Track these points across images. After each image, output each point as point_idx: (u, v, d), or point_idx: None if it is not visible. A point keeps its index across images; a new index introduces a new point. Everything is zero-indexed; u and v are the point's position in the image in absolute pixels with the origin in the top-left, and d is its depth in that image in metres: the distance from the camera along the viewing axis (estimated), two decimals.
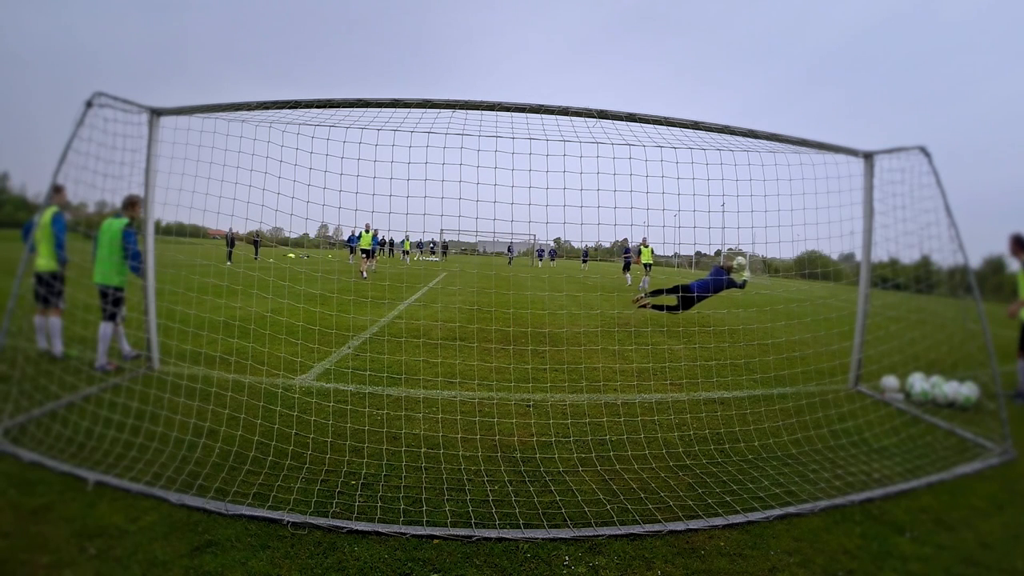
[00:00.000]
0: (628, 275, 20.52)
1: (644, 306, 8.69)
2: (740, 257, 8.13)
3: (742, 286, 8.03)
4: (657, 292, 9.22)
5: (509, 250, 42.22)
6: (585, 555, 2.66)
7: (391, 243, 37.18)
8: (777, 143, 4.70)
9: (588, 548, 2.72)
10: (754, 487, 3.43)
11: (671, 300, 8.49)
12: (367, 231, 16.79)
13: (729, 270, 8.16)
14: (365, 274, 16.00)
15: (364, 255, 17.12)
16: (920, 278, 5.29)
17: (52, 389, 4.25)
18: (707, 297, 8.02)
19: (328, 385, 5.16)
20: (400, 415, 4.32)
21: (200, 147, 4.31)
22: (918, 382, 5.75)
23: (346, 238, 19.61)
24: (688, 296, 8.03)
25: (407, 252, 35.05)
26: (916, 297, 5.69)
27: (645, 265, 19.00)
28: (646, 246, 18.31)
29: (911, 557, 2.75)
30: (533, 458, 3.73)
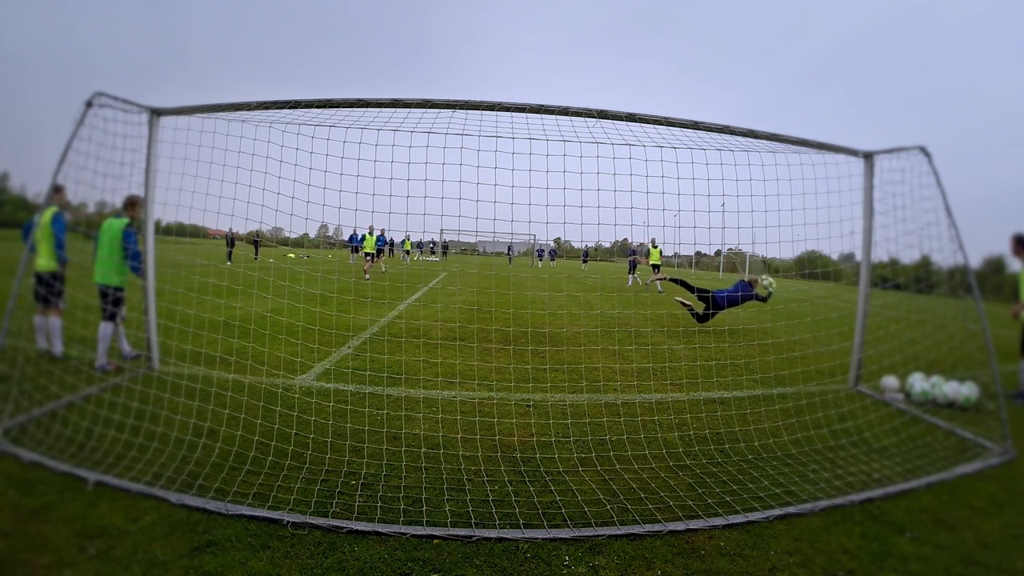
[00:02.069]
0: (633, 276, 20.15)
1: (684, 302, 8.81)
2: (767, 278, 8.26)
3: (766, 299, 8.14)
4: (682, 283, 9.36)
5: (509, 250, 42.04)
6: (585, 555, 2.66)
7: (391, 243, 37.16)
8: (777, 143, 4.69)
9: (588, 548, 2.72)
10: (754, 487, 3.43)
11: (698, 304, 8.67)
12: (371, 233, 16.62)
13: (753, 284, 8.32)
14: (368, 276, 15.97)
15: (368, 257, 17.06)
16: (920, 278, 5.29)
17: (52, 389, 4.25)
18: (730, 306, 8.19)
19: (328, 385, 5.15)
20: (400, 415, 4.32)
21: (200, 147, 4.31)
22: (918, 382, 5.75)
23: (347, 238, 19.51)
24: (709, 301, 8.22)
25: (408, 252, 35.06)
26: (916, 297, 5.69)
27: (653, 266, 18.53)
28: (655, 246, 17.84)
29: (911, 557, 2.75)
30: (533, 458, 3.73)
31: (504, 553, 2.65)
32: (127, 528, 2.66)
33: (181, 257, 6.26)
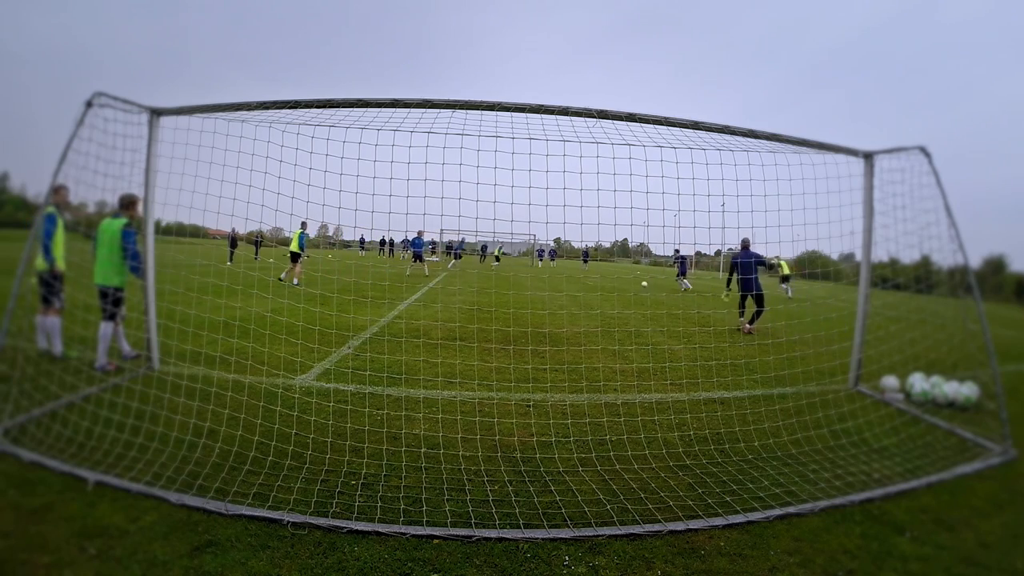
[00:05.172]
0: (685, 281, 19.36)
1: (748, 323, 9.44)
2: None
3: (774, 267, 8.66)
4: (743, 305, 9.99)
5: (483, 249, 39.29)
6: (585, 555, 2.66)
7: (391, 243, 37.01)
8: (777, 143, 4.69)
9: (588, 548, 2.72)
10: (754, 487, 3.43)
11: (753, 304, 9.37)
12: (303, 228, 13.23)
13: (746, 246, 8.92)
14: (297, 281, 12.96)
15: (294, 259, 13.61)
16: (920, 278, 5.29)
17: (52, 389, 4.25)
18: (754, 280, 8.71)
19: (328, 385, 5.15)
20: (400, 415, 4.32)
21: (200, 147, 4.30)
22: (918, 382, 5.75)
23: (404, 240, 18.49)
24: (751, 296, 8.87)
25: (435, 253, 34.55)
26: (916, 297, 5.69)
27: (783, 277, 16.31)
28: (781, 259, 15.45)
29: (911, 557, 2.75)
30: (533, 458, 3.73)
31: (504, 553, 2.65)
32: (127, 528, 2.66)
33: (181, 257, 6.25)
